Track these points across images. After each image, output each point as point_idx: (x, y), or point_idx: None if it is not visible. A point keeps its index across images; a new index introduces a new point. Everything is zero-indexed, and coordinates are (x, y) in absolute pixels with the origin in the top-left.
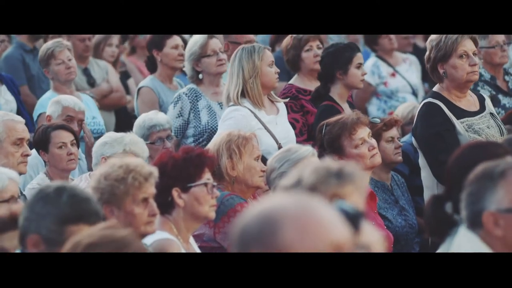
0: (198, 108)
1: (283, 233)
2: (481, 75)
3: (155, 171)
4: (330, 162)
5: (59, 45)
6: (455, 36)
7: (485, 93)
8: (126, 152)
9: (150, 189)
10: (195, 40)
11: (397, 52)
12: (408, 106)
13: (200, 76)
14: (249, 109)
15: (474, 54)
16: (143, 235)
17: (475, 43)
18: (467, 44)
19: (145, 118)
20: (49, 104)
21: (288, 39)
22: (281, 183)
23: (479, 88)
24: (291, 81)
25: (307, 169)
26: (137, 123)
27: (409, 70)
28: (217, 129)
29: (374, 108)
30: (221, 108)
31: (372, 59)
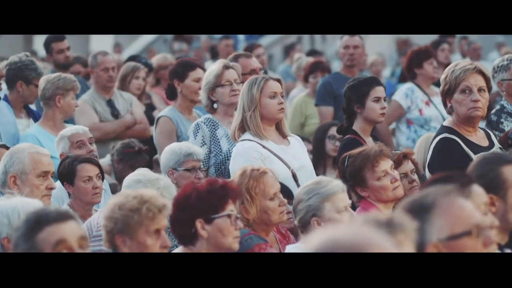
0: (217, 136)
1: None
2: (503, 107)
3: (168, 203)
4: (378, 214)
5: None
6: (459, 71)
7: (509, 125)
8: None
9: (163, 221)
10: (212, 69)
11: (432, 85)
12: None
13: (215, 105)
14: (254, 140)
15: (481, 89)
16: None
17: (485, 77)
18: (470, 79)
19: (182, 145)
20: (56, 145)
21: None
22: None
23: (502, 120)
24: None
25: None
26: (172, 149)
27: (441, 103)
28: None
29: (403, 137)
30: None
31: (409, 84)
